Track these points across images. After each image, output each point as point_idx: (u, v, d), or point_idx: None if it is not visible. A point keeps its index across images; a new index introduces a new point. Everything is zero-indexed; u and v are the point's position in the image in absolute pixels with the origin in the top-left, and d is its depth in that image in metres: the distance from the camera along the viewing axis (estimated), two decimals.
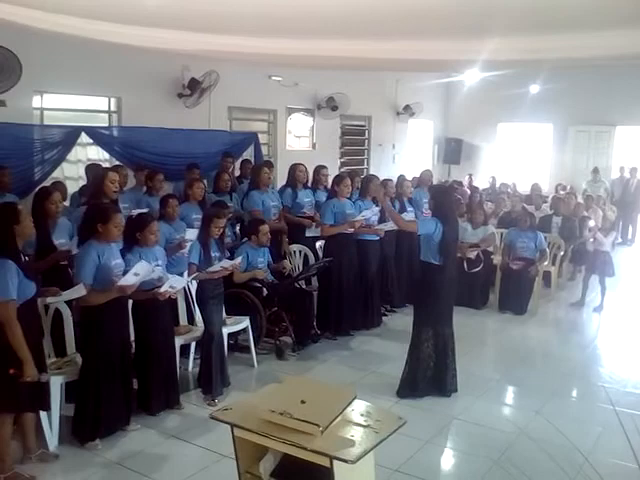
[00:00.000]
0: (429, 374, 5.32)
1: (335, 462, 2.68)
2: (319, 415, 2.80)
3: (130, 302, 4.92)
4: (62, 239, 5.12)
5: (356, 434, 2.85)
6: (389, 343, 6.73)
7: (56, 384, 4.41)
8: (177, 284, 4.83)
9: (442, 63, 9.39)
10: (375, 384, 5.51)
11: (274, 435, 2.78)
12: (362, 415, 2.99)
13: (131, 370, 4.74)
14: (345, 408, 2.94)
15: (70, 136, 7.62)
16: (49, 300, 4.42)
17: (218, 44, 6.93)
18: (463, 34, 6.21)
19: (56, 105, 7.97)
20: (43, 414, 4.30)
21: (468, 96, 14.44)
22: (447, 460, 4.60)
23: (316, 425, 2.74)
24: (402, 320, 7.34)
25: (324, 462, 2.72)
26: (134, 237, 4.81)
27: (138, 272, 4.43)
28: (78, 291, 4.27)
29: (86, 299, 4.36)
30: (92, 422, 4.44)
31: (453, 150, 15.30)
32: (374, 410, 3.06)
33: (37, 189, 5.86)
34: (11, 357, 3.72)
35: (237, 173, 8.82)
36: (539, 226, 8.71)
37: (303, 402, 2.88)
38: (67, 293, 4.34)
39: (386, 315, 7.63)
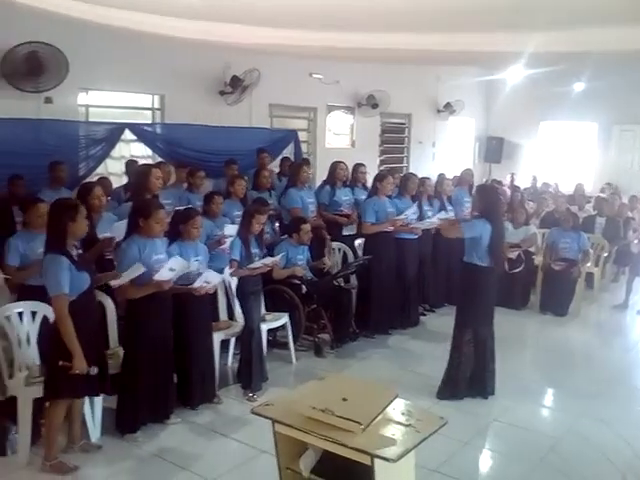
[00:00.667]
0: (469, 375, 5.27)
1: (376, 460, 2.68)
2: (360, 413, 2.80)
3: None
4: (106, 232, 5.19)
5: (397, 433, 2.84)
6: (427, 343, 6.70)
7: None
8: (212, 279, 4.84)
9: (489, 55, 9.27)
10: (413, 384, 5.47)
11: (315, 432, 2.79)
12: (403, 414, 2.99)
13: (171, 364, 4.80)
14: (386, 407, 2.94)
15: (114, 133, 7.76)
16: (112, 283, 4.39)
17: (263, 37, 6.95)
18: (509, 26, 6.15)
19: (101, 102, 8.09)
20: (86, 405, 4.38)
21: (510, 94, 14.22)
22: (487, 462, 4.55)
23: (357, 423, 2.74)
24: (440, 320, 7.30)
25: (365, 460, 2.72)
26: (177, 231, 4.89)
27: (173, 267, 4.47)
28: (137, 269, 4.30)
29: (124, 293, 4.43)
30: (132, 414, 4.52)
31: (494, 148, 15.10)
32: (415, 409, 3.05)
33: (80, 185, 5.97)
34: (66, 349, 3.80)
35: (276, 170, 8.85)
36: (582, 227, 8.56)
37: (344, 399, 2.89)
38: (127, 273, 4.32)
39: (424, 315, 7.59)
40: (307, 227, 6.37)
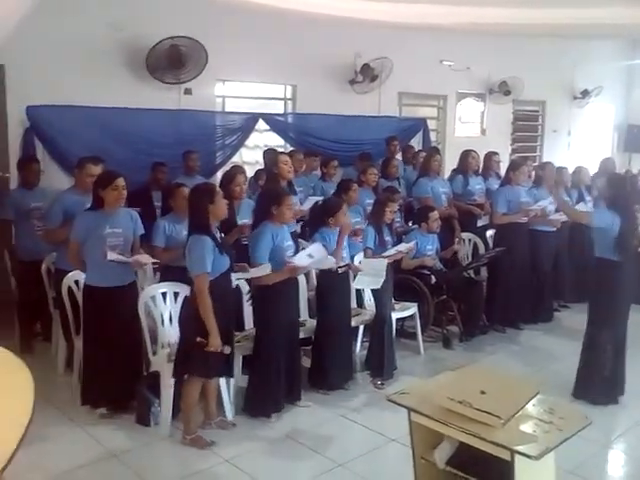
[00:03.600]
0: (606, 377, 4.99)
1: (516, 456, 2.59)
2: (500, 407, 2.72)
3: (303, 283, 5.11)
4: (245, 219, 5.36)
5: (538, 430, 2.74)
6: (561, 340, 6.42)
7: (235, 356, 4.67)
8: (316, 253, 4.70)
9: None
10: (545, 382, 5.23)
11: (453, 423, 2.74)
12: (545, 411, 2.88)
13: (299, 348, 4.89)
14: (527, 402, 2.84)
15: (249, 122, 8.00)
16: (237, 275, 4.57)
17: (394, 13, 6.81)
18: None
19: (236, 93, 8.34)
20: (223, 384, 4.57)
21: None
22: (626, 468, 4.30)
23: (497, 417, 2.67)
24: (575, 317, 6.96)
25: (504, 455, 2.64)
26: (322, 220, 5.02)
27: (312, 254, 4.53)
28: (264, 269, 4.42)
29: (260, 278, 4.54)
30: (262, 396, 4.64)
31: (635, 137, 14.15)
32: (558, 407, 2.94)
33: (223, 173, 6.20)
34: (202, 326, 3.98)
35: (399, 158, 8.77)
36: None
37: (483, 392, 2.82)
38: (253, 271, 4.47)
39: (558, 310, 7.28)
40: (435, 215, 6.28)
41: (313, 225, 5.04)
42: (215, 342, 3.98)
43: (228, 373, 4.41)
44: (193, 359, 4.09)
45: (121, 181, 4.49)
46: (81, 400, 4.67)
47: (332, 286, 5.02)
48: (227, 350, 4.08)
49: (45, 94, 6.36)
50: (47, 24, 6.35)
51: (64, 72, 6.46)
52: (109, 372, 4.52)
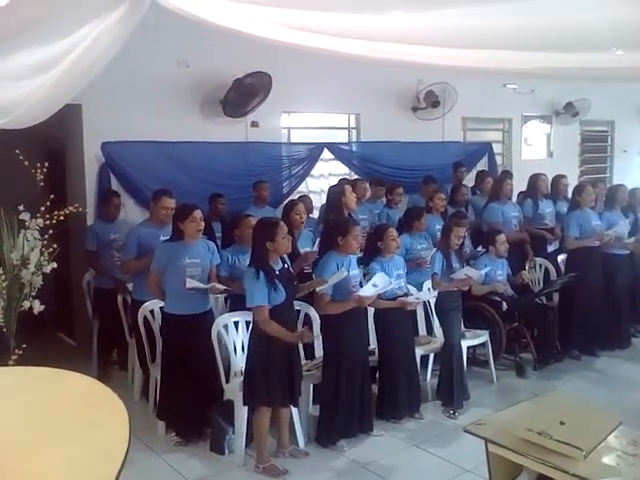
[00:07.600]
0: None
1: None
2: (581, 438, 2.65)
3: (372, 311, 5.11)
4: (307, 247, 5.40)
5: (622, 463, 2.66)
6: None
7: (306, 385, 4.70)
8: (423, 296, 4.90)
9: None
10: (625, 411, 5.05)
11: (532, 455, 2.68)
12: (628, 443, 2.78)
13: (369, 378, 4.87)
14: (609, 434, 2.76)
15: (314, 152, 8.10)
16: (317, 289, 4.58)
17: (458, 58, 6.84)
18: None
19: (301, 123, 8.48)
20: (295, 413, 4.59)
21: None
22: None
23: (579, 449, 2.60)
24: None
25: None
26: (376, 247, 5.00)
27: (377, 284, 4.54)
28: (340, 275, 4.47)
29: (326, 309, 4.59)
30: (332, 425, 4.63)
31: None
32: None
33: (285, 202, 6.31)
34: (265, 355, 4.09)
35: (470, 184, 8.70)
36: None
37: (562, 423, 2.75)
38: (332, 279, 4.47)
39: (636, 336, 7.04)
40: (502, 238, 6.18)
41: (369, 253, 5.04)
42: (292, 338, 4.16)
43: (291, 403, 4.43)
44: (257, 388, 4.16)
45: (198, 213, 4.67)
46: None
47: (389, 315, 4.98)
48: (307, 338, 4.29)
49: (119, 131, 6.60)
50: (120, 64, 6.59)
51: (135, 109, 6.69)
52: (186, 398, 4.63)
